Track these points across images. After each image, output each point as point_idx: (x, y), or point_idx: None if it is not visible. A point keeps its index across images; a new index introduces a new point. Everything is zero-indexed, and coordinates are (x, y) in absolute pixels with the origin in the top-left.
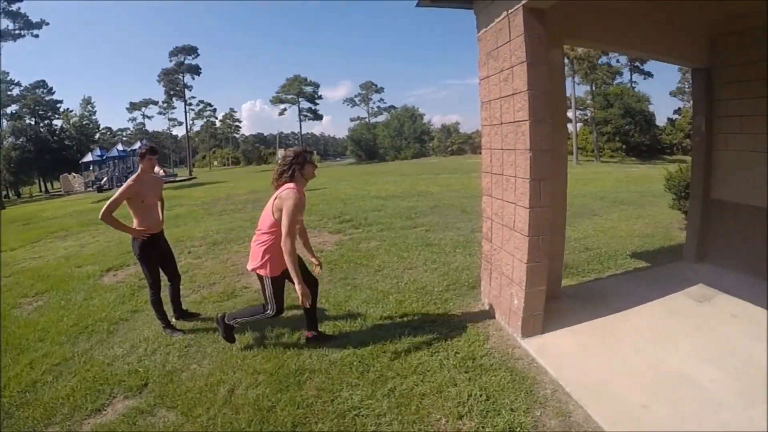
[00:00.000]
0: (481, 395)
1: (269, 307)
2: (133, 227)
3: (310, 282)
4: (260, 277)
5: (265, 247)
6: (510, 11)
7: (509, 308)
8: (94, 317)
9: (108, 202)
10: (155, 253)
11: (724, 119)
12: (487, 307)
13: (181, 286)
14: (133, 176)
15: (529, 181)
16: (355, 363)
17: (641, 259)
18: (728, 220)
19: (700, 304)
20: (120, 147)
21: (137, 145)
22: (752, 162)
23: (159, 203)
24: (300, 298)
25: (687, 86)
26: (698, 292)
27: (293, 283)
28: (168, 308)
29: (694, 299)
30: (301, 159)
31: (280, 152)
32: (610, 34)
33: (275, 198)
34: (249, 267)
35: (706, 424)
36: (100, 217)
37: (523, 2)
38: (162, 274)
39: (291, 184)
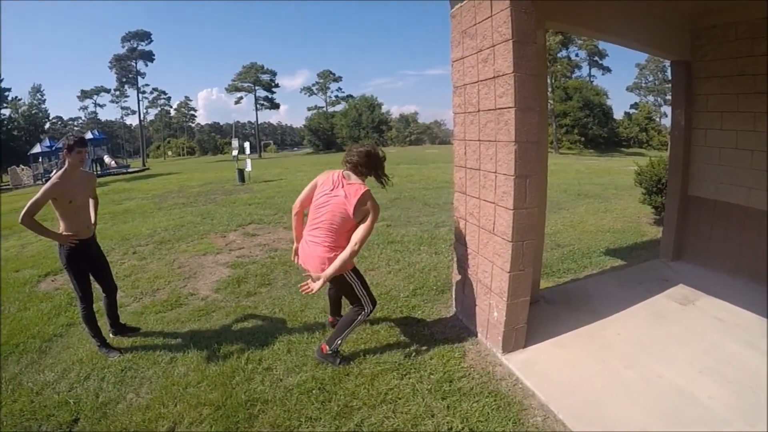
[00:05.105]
0: (463, 428)
1: (366, 303)
2: (59, 232)
3: None
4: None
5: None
6: None
7: (487, 320)
8: (27, 333)
9: (29, 203)
10: (85, 263)
11: (703, 114)
12: (460, 317)
13: (122, 293)
14: (59, 173)
15: (513, 178)
16: (314, 390)
17: (616, 257)
18: (706, 218)
19: (683, 306)
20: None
21: (88, 135)
22: (732, 159)
23: (92, 203)
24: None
25: (644, 82)
26: (680, 293)
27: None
28: (104, 321)
29: (676, 301)
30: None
31: (235, 142)
32: (592, 20)
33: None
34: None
35: None
36: (19, 220)
37: None
38: (96, 284)
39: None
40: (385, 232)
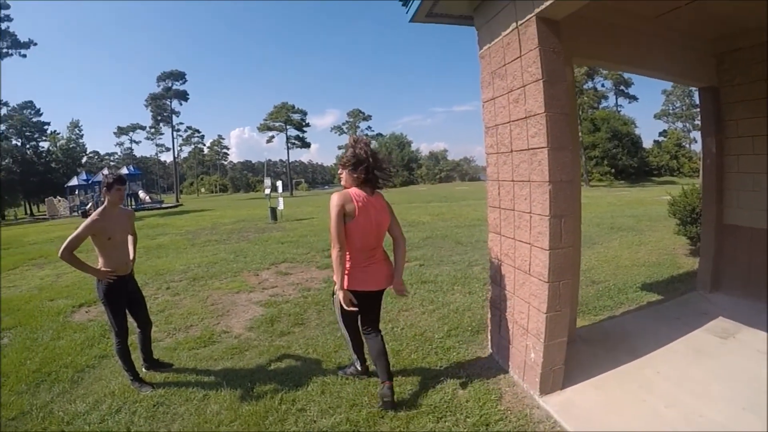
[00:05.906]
0: None
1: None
2: (98, 267)
3: None
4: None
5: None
6: (520, 23)
7: (524, 361)
8: (59, 362)
9: (69, 238)
10: (122, 299)
11: (734, 140)
12: (496, 358)
13: (155, 328)
14: (99, 210)
15: (548, 218)
16: None
17: (653, 292)
18: (743, 247)
19: (723, 340)
20: (106, 171)
21: (124, 170)
22: (766, 184)
23: (131, 239)
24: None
25: (671, 108)
26: (719, 326)
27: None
28: (137, 356)
29: (716, 335)
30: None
31: (267, 181)
32: (618, 53)
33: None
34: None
35: None
36: (59, 255)
37: (537, 11)
38: (131, 318)
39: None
40: (418, 272)
